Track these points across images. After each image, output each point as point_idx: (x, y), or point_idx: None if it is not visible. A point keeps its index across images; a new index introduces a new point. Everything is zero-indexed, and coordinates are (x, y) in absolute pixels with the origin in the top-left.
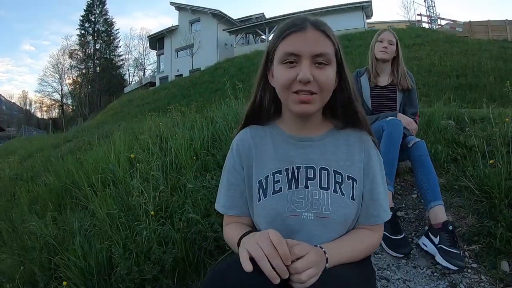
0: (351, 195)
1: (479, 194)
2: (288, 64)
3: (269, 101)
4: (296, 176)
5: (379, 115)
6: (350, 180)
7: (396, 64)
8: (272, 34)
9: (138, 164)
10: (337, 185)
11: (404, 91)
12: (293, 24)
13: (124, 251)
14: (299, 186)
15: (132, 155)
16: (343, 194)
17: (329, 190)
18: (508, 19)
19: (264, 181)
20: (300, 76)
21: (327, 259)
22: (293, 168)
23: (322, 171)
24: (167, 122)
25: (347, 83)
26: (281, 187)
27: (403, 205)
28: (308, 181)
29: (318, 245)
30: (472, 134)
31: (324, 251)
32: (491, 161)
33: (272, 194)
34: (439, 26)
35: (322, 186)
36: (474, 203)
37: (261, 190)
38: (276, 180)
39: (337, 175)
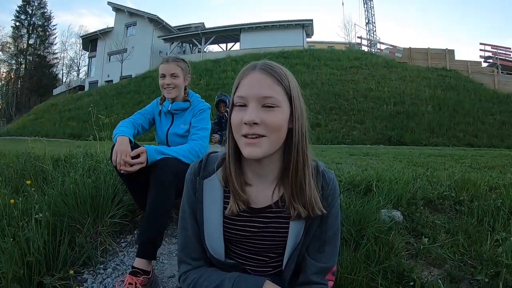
0: None
1: None
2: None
3: None
4: None
5: (221, 281)
6: None
7: (292, 157)
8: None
9: None
10: None
11: (309, 218)
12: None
13: None
14: None
15: None
16: None
17: None
18: (448, 48)
19: None
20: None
21: None
22: None
23: None
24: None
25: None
26: None
27: None
28: None
29: None
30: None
31: None
32: None
33: None
34: (379, 50)
35: None
36: None
37: None
38: None
39: None
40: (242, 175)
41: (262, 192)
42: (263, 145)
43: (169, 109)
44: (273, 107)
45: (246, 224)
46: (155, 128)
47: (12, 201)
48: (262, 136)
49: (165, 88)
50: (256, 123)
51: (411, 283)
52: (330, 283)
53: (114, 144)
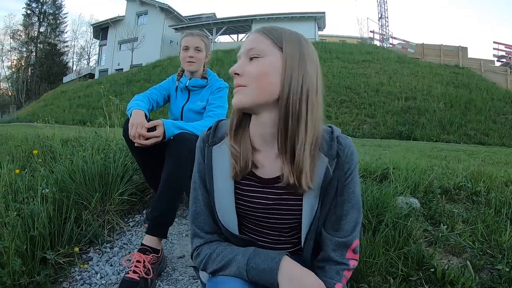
0: None
1: None
2: None
3: None
4: None
5: (235, 256)
6: None
7: (280, 112)
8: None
9: None
10: None
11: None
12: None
13: None
14: None
15: None
16: None
17: None
18: (462, 45)
19: None
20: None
21: None
22: None
23: None
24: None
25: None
26: None
27: None
28: None
29: None
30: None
31: None
32: None
33: None
34: (391, 45)
35: None
36: None
37: None
38: None
39: None
40: (249, 137)
41: (271, 161)
42: (246, 93)
43: (186, 85)
44: (256, 57)
45: (257, 196)
46: (168, 105)
47: (17, 171)
48: (244, 86)
49: (187, 61)
50: (237, 74)
51: (432, 270)
52: (353, 263)
53: (128, 118)
